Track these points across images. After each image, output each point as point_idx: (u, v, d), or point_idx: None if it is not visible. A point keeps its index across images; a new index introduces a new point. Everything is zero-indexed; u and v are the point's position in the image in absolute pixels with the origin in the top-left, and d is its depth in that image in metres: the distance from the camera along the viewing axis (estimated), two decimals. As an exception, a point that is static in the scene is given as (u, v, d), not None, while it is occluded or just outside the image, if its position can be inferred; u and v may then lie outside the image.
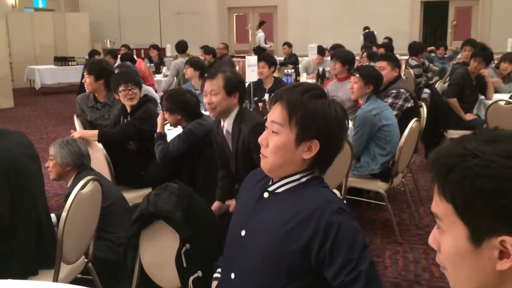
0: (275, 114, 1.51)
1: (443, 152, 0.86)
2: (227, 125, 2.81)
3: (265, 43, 13.77)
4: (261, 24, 14.23)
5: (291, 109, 1.48)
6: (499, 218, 0.78)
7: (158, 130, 3.43)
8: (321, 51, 8.42)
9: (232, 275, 1.58)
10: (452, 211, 0.84)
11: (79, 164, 2.97)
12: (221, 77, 2.75)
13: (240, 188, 1.75)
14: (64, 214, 2.26)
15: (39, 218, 2.39)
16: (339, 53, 5.40)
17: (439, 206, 0.87)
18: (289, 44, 11.08)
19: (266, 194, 1.56)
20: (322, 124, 1.47)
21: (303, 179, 1.53)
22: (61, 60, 12.54)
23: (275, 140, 1.49)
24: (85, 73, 4.16)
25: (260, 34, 13.88)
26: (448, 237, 0.86)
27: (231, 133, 2.80)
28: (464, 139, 0.85)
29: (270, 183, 1.57)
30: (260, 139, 1.54)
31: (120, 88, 3.71)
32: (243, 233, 1.57)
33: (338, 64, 5.12)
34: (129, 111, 3.78)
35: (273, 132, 1.51)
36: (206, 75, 2.89)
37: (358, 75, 3.80)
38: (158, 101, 4.73)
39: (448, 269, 0.89)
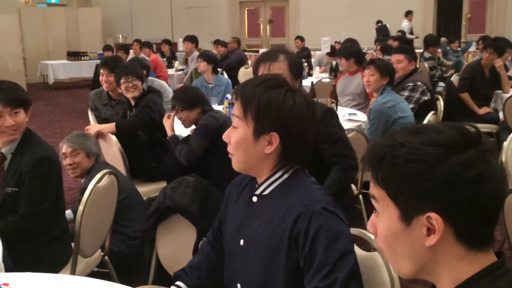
0: (235, 108, 1.47)
1: (376, 144, 0.97)
2: None
3: (411, 33, 12.40)
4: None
5: (245, 102, 1.43)
6: (424, 198, 0.88)
7: (169, 132, 3.36)
8: (332, 52, 8.34)
9: (238, 286, 1.54)
10: (385, 195, 0.94)
11: (99, 154, 3.06)
12: None
13: (225, 194, 1.67)
14: (81, 207, 2.26)
15: (64, 213, 2.58)
16: (342, 50, 5.41)
17: (374, 191, 0.96)
18: (301, 38, 11.02)
19: (254, 198, 1.51)
20: (277, 116, 1.40)
21: (286, 175, 1.47)
22: (74, 55, 12.58)
23: (235, 135, 1.45)
24: (104, 71, 4.10)
25: (405, 24, 12.47)
26: (382, 219, 0.96)
27: None
28: (393, 133, 0.96)
29: (256, 186, 1.51)
30: (224, 136, 1.49)
31: (121, 81, 3.71)
32: (241, 242, 1.51)
33: (342, 60, 5.11)
34: (133, 103, 3.78)
35: (233, 127, 1.46)
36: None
37: (373, 67, 3.75)
38: (171, 95, 4.71)
39: (385, 250, 0.98)
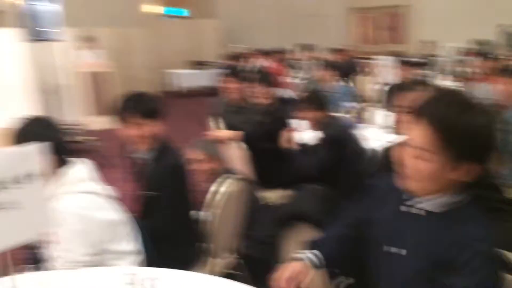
0: (419, 136, 1.28)
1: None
2: None
3: None
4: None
5: (443, 130, 1.25)
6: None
7: (284, 144, 3.44)
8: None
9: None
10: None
11: (225, 160, 3.16)
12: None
13: (370, 196, 1.59)
14: (214, 211, 2.39)
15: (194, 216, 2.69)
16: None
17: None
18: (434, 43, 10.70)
19: (414, 210, 1.40)
20: (486, 145, 1.27)
21: (462, 201, 1.34)
22: (198, 65, 13.30)
23: (422, 168, 1.29)
24: (229, 80, 4.24)
25: None
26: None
27: None
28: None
29: (415, 198, 1.39)
30: (397, 159, 1.36)
31: (254, 87, 3.90)
32: (393, 250, 1.43)
33: None
34: (261, 110, 3.90)
35: (416, 157, 1.30)
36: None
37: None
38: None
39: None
